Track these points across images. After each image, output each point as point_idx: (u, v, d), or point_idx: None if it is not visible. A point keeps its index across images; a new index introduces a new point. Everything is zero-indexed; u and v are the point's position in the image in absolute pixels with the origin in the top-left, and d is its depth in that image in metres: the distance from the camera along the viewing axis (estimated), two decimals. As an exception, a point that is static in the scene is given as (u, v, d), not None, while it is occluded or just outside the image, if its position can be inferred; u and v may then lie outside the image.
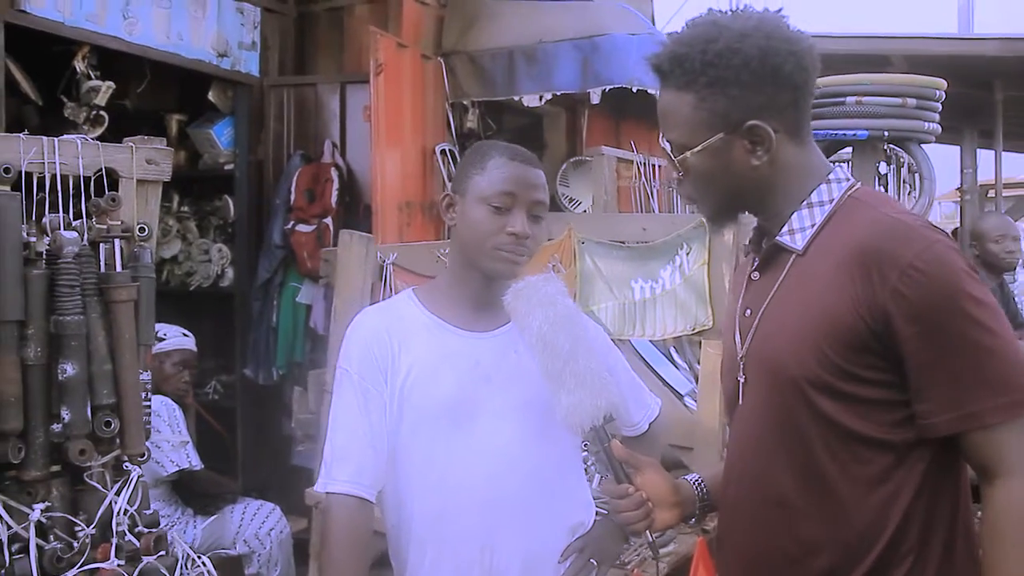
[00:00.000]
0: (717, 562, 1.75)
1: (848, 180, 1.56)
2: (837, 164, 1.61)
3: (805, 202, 1.54)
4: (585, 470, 3.29)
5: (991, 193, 8.52)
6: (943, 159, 4.15)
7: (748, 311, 1.60)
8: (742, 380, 1.59)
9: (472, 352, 1.88)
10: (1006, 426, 1.38)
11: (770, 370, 1.52)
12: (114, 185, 2.27)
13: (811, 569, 1.50)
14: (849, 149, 3.50)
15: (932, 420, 1.41)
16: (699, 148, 1.52)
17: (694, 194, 1.60)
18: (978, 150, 8.18)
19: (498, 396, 1.86)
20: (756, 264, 1.62)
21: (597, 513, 2.05)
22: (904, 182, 3.68)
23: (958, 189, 8.29)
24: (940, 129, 3.50)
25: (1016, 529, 1.38)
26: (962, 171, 7.97)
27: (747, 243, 1.69)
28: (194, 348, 4.16)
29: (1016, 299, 5.31)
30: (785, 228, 1.55)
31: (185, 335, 4.11)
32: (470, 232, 1.87)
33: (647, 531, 1.70)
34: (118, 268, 2.21)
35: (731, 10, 1.54)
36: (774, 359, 1.51)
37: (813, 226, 1.53)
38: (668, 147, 1.59)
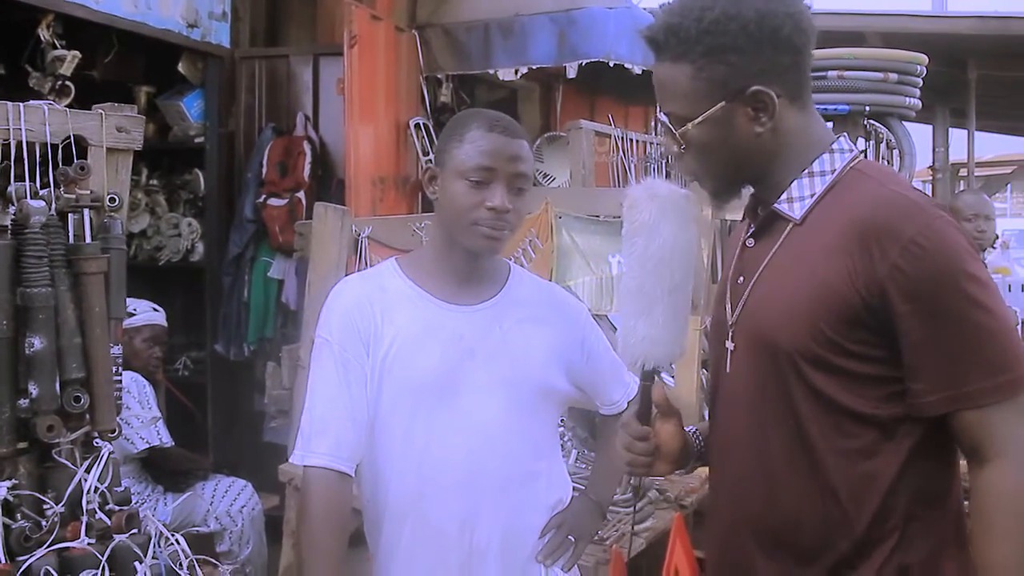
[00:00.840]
0: (699, 534, 1.73)
1: (852, 150, 1.53)
2: (842, 134, 1.57)
3: (806, 171, 1.51)
4: (561, 446, 3.29)
5: (963, 172, 8.57)
6: (915, 137, 4.15)
7: (741, 278, 1.57)
8: (731, 347, 1.57)
9: (456, 326, 1.84)
10: (999, 407, 1.37)
11: (761, 339, 1.50)
12: (83, 153, 2.20)
13: (793, 543, 1.49)
14: (829, 124, 3.49)
15: (925, 399, 1.39)
16: (700, 119, 1.48)
17: (696, 168, 1.55)
18: (950, 129, 8.22)
19: (481, 372, 1.83)
20: (751, 231, 1.59)
21: (574, 490, 2.03)
22: (883, 158, 3.68)
23: (930, 168, 8.33)
24: (920, 105, 3.50)
25: (1005, 513, 1.37)
26: (934, 150, 8.01)
27: (742, 214, 1.66)
28: (164, 323, 4.10)
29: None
30: (784, 196, 1.52)
31: (155, 310, 4.04)
32: (449, 207, 1.81)
33: (639, 477, 1.67)
34: (87, 239, 2.15)
35: None
36: (765, 329, 1.49)
37: (813, 196, 1.50)
38: (666, 120, 1.54)
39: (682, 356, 1.62)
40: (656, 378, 1.62)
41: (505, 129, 1.82)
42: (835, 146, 1.53)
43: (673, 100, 1.51)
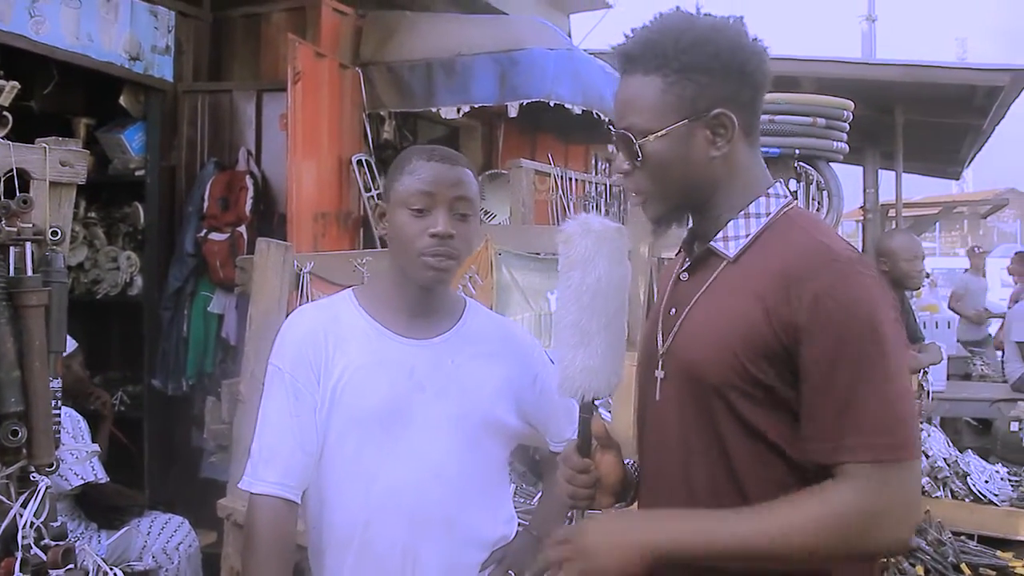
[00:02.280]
0: None
1: (786, 196, 1.60)
2: (779, 180, 1.64)
3: (743, 211, 1.57)
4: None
5: (891, 212, 8.83)
6: (847, 179, 4.29)
7: (673, 310, 1.62)
8: (660, 376, 1.61)
9: (408, 359, 1.86)
10: (878, 467, 1.37)
11: (688, 371, 1.54)
12: (25, 187, 2.20)
13: (717, 572, 1.50)
14: (761, 166, 3.59)
15: (810, 445, 1.43)
16: (663, 132, 1.53)
17: (647, 185, 1.59)
18: (880, 171, 8.48)
19: (431, 406, 1.85)
20: (687, 265, 1.65)
21: (518, 526, 2.05)
22: (813, 199, 3.79)
23: (861, 208, 8.57)
24: (848, 148, 3.62)
25: (806, 516, 1.37)
26: (865, 191, 8.25)
27: (679, 247, 1.72)
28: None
29: (915, 315, 5.50)
30: (720, 234, 1.58)
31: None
32: (396, 239, 1.85)
33: (581, 512, 1.70)
34: (28, 272, 2.15)
35: (697, 9, 1.59)
36: (694, 360, 1.53)
37: (747, 236, 1.56)
38: (625, 134, 1.58)
39: (619, 386, 1.65)
40: (595, 411, 1.65)
41: (444, 157, 1.86)
42: (772, 191, 1.59)
43: (638, 113, 1.56)
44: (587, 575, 1.45)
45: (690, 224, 1.67)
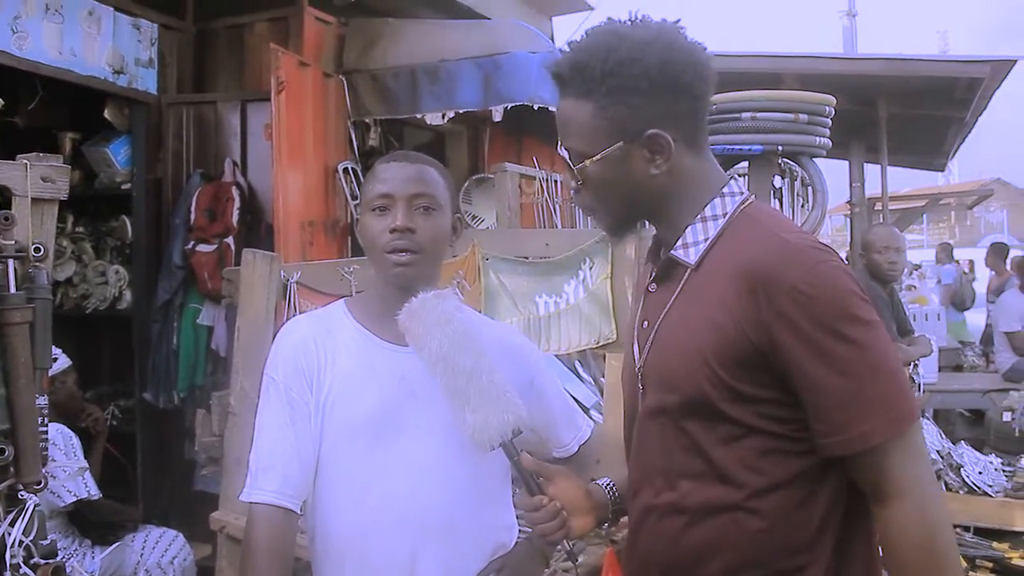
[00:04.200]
0: (625, 572, 1.77)
1: (742, 194, 1.58)
2: (733, 176, 1.62)
3: (699, 216, 1.55)
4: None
5: (878, 206, 8.85)
6: (833, 173, 4.30)
7: (646, 323, 1.62)
8: (641, 390, 1.61)
9: (398, 367, 1.85)
10: (891, 443, 1.40)
11: (664, 384, 1.54)
12: (7, 204, 2.19)
13: (707, 573, 1.51)
14: (745, 163, 3.59)
15: (826, 440, 1.43)
16: (598, 156, 1.52)
17: (593, 203, 1.60)
18: (866, 164, 8.50)
19: (423, 412, 1.84)
20: (653, 276, 1.63)
21: (520, 534, 2.04)
22: (798, 195, 3.80)
23: (848, 202, 8.59)
24: (831, 144, 3.62)
25: (913, 549, 1.40)
26: (851, 185, 8.27)
27: (647, 254, 1.71)
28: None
29: (905, 306, 5.51)
30: (680, 242, 1.56)
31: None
32: (365, 242, 1.88)
33: (564, 540, 1.71)
34: (11, 289, 2.14)
35: (630, 20, 1.55)
36: (668, 373, 1.53)
37: (706, 240, 1.54)
38: (567, 155, 1.59)
39: (522, 420, 1.71)
40: (515, 450, 1.70)
41: (404, 157, 1.90)
42: (725, 190, 1.57)
43: (574, 136, 1.55)
44: None
45: (654, 232, 1.66)
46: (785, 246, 1.46)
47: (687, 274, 1.55)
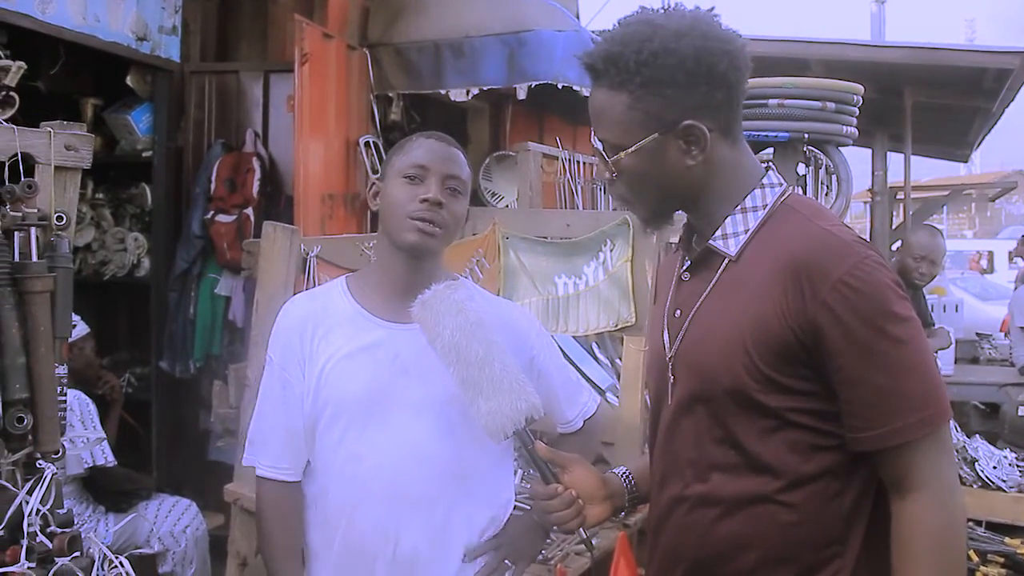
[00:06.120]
0: (642, 552, 1.77)
1: (781, 185, 1.57)
2: (769, 166, 1.61)
3: (739, 207, 1.55)
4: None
5: (900, 195, 8.78)
6: (856, 161, 4.24)
7: (678, 312, 1.61)
8: (671, 380, 1.60)
9: (392, 344, 1.90)
10: (922, 441, 1.42)
11: (699, 374, 1.53)
12: (30, 171, 2.19)
13: (738, 566, 1.52)
14: (770, 150, 3.56)
15: (858, 435, 1.44)
16: (633, 148, 1.51)
17: (628, 195, 1.59)
18: (889, 153, 8.43)
19: (415, 390, 1.88)
20: (688, 265, 1.62)
21: (516, 509, 2.05)
22: (822, 183, 3.77)
23: (869, 190, 8.52)
24: (857, 133, 3.58)
25: (928, 544, 1.42)
26: (873, 173, 8.20)
27: (677, 240, 1.70)
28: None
29: (927, 301, 5.47)
30: (719, 232, 1.55)
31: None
32: (387, 207, 1.91)
33: (580, 528, 1.71)
34: (33, 258, 2.13)
35: (664, 8, 1.53)
36: (704, 364, 1.52)
37: (747, 231, 1.53)
38: (600, 147, 1.58)
39: (535, 408, 1.73)
40: (530, 438, 1.71)
41: (442, 138, 1.96)
42: (765, 181, 1.57)
43: (608, 128, 1.54)
44: None
45: (686, 220, 1.65)
46: (831, 239, 1.46)
47: (725, 264, 1.54)
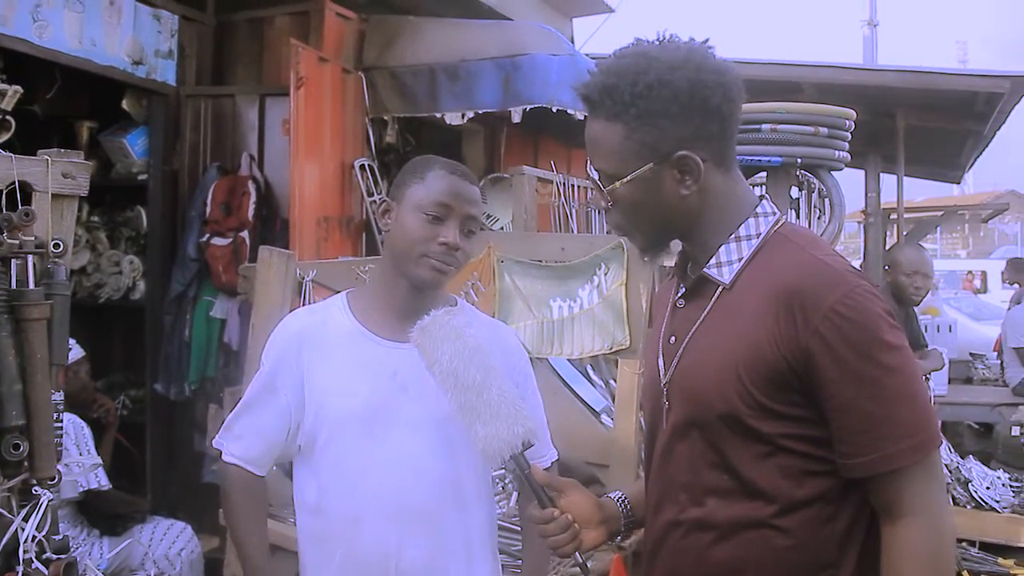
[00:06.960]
0: (637, 574, 1.77)
1: (775, 214, 1.59)
2: (764, 196, 1.63)
3: (733, 235, 1.56)
4: (502, 488, 3.31)
5: (893, 216, 8.81)
6: (849, 182, 4.28)
7: (673, 338, 1.62)
8: (666, 406, 1.62)
9: (391, 362, 1.92)
10: (912, 467, 1.43)
11: (694, 400, 1.54)
12: (27, 199, 2.20)
13: None
14: (763, 174, 3.58)
15: (849, 461, 1.45)
16: (628, 178, 1.53)
17: (624, 224, 1.61)
18: (882, 174, 8.47)
19: (414, 407, 1.91)
20: (683, 292, 1.64)
21: (508, 531, 2.08)
22: (814, 207, 3.79)
23: (862, 211, 8.56)
24: (849, 157, 3.60)
25: (915, 566, 1.43)
26: (866, 194, 8.24)
27: (672, 265, 1.71)
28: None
29: (919, 322, 5.49)
30: (713, 260, 1.57)
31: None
32: (402, 238, 1.91)
33: (576, 552, 1.71)
34: (31, 285, 2.14)
35: (659, 40, 1.55)
36: (698, 390, 1.53)
37: (740, 260, 1.55)
38: (596, 176, 1.60)
39: (532, 432, 1.73)
40: (526, 462, 1.71)
41: (464, 175, 1.96)
42: (759, 210, 1.58)
43: (603, 158, 1.57)
44: None
45: (681, 247, 1.67)
46: (824, 268, 1.48)
47: (719, 292, 1.56)
